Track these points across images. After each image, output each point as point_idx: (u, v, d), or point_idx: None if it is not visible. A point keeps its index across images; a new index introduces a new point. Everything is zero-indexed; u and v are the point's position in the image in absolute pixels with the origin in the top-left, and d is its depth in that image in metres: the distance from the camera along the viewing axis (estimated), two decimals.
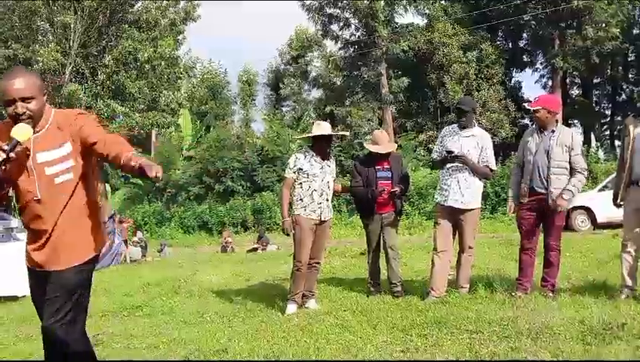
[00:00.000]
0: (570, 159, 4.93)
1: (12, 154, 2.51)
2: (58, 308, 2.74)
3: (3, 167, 2.51)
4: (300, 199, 5.22)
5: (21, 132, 2.57)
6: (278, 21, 52.75)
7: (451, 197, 5.13)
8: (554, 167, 4.89)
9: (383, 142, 5.71)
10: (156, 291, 7.19)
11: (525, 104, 5.11)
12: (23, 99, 2.62)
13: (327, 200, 5.29)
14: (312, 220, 5.20)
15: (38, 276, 2.86)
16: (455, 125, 5.35)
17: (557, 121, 5.08)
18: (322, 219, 5.25)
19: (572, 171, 4.94)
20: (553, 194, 4.88)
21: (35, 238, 2.82)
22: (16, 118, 2.63)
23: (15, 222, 10.07)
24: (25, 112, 2.63)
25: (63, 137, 2.74)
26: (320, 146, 5.27)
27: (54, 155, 2.72)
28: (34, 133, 2.68)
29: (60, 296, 2.75)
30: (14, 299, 7.80)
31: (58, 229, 2.77)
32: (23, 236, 9.82)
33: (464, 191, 5.11)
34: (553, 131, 4.98)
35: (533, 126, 5.30)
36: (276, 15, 62.95)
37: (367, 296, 5.57)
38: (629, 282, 4.70)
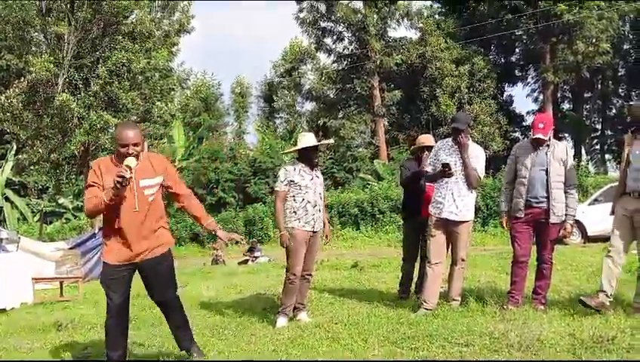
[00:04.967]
0: (565, 173, 4.98)
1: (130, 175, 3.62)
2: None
3: (125, 184, 3.61)
4: (294, 212, 5.19)
5: (132, 162, 3.68)
6: (276, 22, 53.27)
7: (446, 209, 5.13)
8: (554, 181, 4.94)
9: (428, 140, 6.06)
10: (146, 303, 7.08)
11: (540, 136, 5.12)
12: (135, 144, 3.77)
13: (320, 211, 5.29)
14: (306, 232, 5.20)
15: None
16: (449, 139, 5.36)
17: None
18: (316, 230, 5.25)
19: (565, 187, 5.00)
20: (556, 209, 4.92)
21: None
22: (125, 156, 3.71)
23: (4, 233, 9.97)
24: (132, 152, 3.75)
25: (155, 172, 3.93)
26: (307, 157, 5.29)
27: (150, 182, 3.90)
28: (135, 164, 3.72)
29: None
30: (2, 310, 7.72)
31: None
32: (13, 247, 9.76)
33: (459, 204, 5.12)
34: (548, 146, 5.03)
35: (525, 140, 5.34)
36: (275, 15, 63.39)
37: (359, 305, 5.56)
38: (606, 287, 4.69)
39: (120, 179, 3.58)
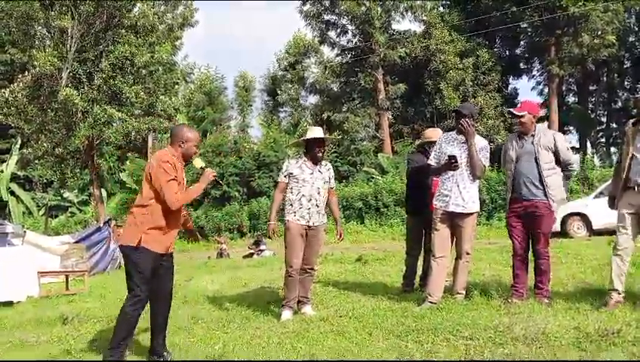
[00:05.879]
0: (559, 158, 4.96)
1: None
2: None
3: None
4: (290, 204, 5.25)
5: (202, 161, 4.32)
6: (277, 22, 53.20)
7: (452, 202, 5.11)
8: (545, 170, 4.93)
9: (435, 134, 5.99)
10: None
11: (512, 110, 5.15)
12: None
13: (317, 206, 5.27)
14: (301, 226, 5.21)
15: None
16: (452, 132, 5.32)
17: (535, 125, 5.10)
18: (311, 224, 5.24)
19: (563, 169, 5.01)
20: (553, 196, 4.92)
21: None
22: (193, 155, 4.17)
23: (10, 227, 10.01)
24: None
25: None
26: (312, 150, 5.28)
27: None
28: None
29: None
30: (9, 304, 7.76)
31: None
32: (18, 241, 9.81)
33: (465, 196, 5.11)
34: (533, 135, 5.01)
35: (514, 133, 5.32)
36: (276, 15, 63.26)
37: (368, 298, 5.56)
38: (617, 285, 4.68)
39: (214, 178, 4.18)
